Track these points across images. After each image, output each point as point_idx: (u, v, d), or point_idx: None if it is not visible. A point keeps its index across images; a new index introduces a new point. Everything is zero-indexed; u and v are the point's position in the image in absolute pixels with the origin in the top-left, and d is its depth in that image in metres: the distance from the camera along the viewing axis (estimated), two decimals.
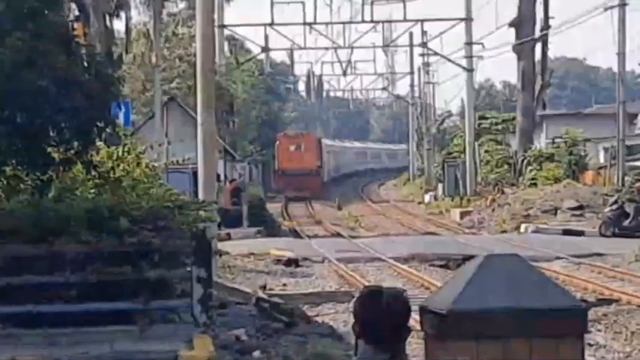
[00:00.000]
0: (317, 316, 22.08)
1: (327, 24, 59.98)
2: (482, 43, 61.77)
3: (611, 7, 47.71)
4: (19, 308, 17.46)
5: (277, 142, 77.89)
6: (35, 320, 17.36)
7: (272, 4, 54.53)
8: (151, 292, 17.89)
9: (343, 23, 61.39)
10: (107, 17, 34.14)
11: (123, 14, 45.03)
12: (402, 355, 5.16)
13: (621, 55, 49.08)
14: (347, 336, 17.89)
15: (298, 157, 69.95)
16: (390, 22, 62.47)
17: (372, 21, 60.21)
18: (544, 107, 65.64)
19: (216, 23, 30.22)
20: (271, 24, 56.99)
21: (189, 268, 18.31)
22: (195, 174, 29.25)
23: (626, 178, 44.53)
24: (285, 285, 27.89)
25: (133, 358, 16.47)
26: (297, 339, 19.08)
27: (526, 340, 5.59)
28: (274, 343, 18.65)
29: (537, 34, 61.17)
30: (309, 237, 45.42)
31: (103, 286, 17.69)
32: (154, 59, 52.35)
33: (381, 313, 5.18)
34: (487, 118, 70.71)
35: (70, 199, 18.57)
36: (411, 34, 68.49)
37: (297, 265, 32.57)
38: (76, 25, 21.20)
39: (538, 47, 62.84)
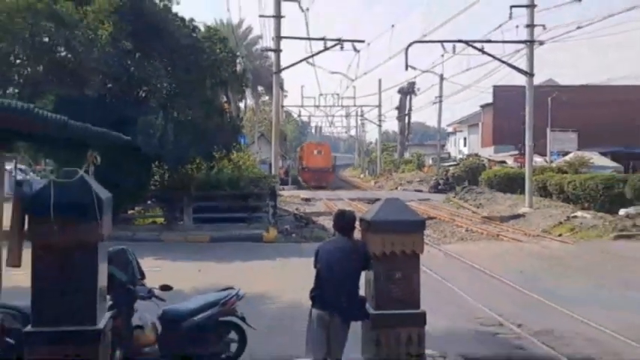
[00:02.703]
0: (317, 220, 22.12)
1: (324, 106, 59.93)
2: (384, 115, 61.45)
3: (434, 103, 47.48)
4: (202, 215, 17.44)
5: (300, 148, 57.39)
6: (206, 220, 17.44)
7: (302, 98, 54.86)
8: (252, 210, 17.97)
9: (330, 106, 61.21)
10: (237, 101, 34.01)
11: (244, 100, 44.66)
12: (352, 237, 5.22)
13: (439, 123, 49.28)
14: (329, 229, 17.92)
15: (319, 159, 49.90)
16: (348, 106, 62.08)
17: (341, 106, 60.10)
18: (408, 141, 65.40)
19: (280, 104, 30.08)
20: (302, 105, 57.01)
21: (267, 201, 18.27)
22: (270, 165, 29.05)
23: (440, 170, 44.49)
24: (305, 208, 27.85)
25: (245, 235, 16.46)
26: (309, 229, 18.85)
27: (400, 233, 5.14)
28: (301, 231, 18.56)
29: (406, 111, 60.94)
30: (310, 186, 45.23)
31: (234, 208, 17.75)
32: (255, 118, 52.31)
33: (344, 220, 5.23)
34: (386, 145, 70.23)
35: (221, 174, 18.57)
36: (356, 111, 67.48)
37: (309, 201, 32.50)
38: (225, 104, 21.10)
39: (407, 117, 62.65)
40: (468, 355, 6.61)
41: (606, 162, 32.73)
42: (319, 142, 58.57)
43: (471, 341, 7.51)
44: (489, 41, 23.87)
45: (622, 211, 20.36)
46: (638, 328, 7.97)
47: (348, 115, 72.50)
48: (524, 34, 23.57)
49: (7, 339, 5.33)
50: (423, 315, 5.02)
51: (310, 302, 5.06)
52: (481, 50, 23.57)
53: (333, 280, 4.92)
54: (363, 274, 5.17)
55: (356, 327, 5.11)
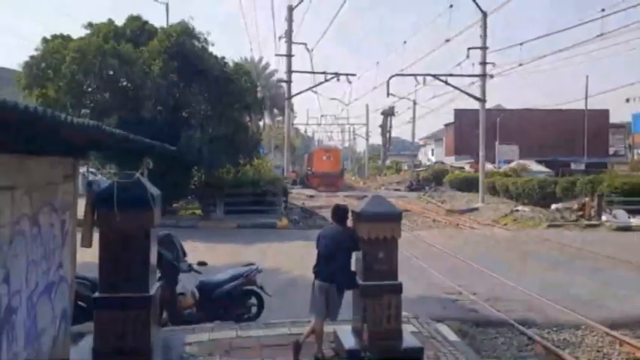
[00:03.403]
0: (319, 212, 22.01)
1: (324, 124, 59.87)
2: (371, 131, 60.91)
3: (409, 122, 47.18)
4: (230, 208, 17.11)
5: (308, 154, 46.33)
6: (234, 212, 17.28)
7: (307, 117, 54.93)
8: (269, 204, 17.82)
9: (329, 124, 61.06)
10: (257, 120, 33.88)
11: (262, 120, 43.97)
12: (346, 225, 5.20)
13: (413, 137, 48.90)
14: (328, 219, 17.87)
15: (327, 164, 39.69)
16: (342, 124, 61.63)
17: (338, 124, 59.95)
18: (389, 151, 64.64)
19: (290, 123, 30.00)
20: (307, 124, 57.77)
21: (280, 197, 18.03)
22: (282, 169, 28.93)
23: (413, 174, 44.17)
24: (309, 203, 27.70)
25: (263, 223, 16.30)
26: (313, 219, 18.69)
27: (382, 222, 4.53)
28: (306, 220, 18.47)
29: (388, 129, 60.55)
30: (318, 190, 44.61)
31: (255, 202, 17.57)
32: (271, 134, 51.84)
33: (339, 212, 5.21)
34: (372, 155, 69.45)
35: (245, 176, 18.47)
36: (348, 128, 66.97)
37: (313, 197, 32.15)
38: (248, 123, 21.04)
39: (388, 133, 62.19)
40: (434, 317, 6.59)
41: (541, 168, 32.84)
42: (329, 147, 45.87)
43: (437, 306, 7.52)
44: (452, 75, 23.97)
45: (553, 206, 20.39)
46: (564, 296, 7.97)
47: (343, 131, 72.80)
48: (478, 70, 23.68)
49: (80, 303, 5.37)
50: (400, 285, 5.00)
51: (313, 275, 5.05)
52: (445, 82, 23.67)
53: (331, 258, 4.91)
54: (354, 253, 5.17)
55: (348, 295, 5.11)
